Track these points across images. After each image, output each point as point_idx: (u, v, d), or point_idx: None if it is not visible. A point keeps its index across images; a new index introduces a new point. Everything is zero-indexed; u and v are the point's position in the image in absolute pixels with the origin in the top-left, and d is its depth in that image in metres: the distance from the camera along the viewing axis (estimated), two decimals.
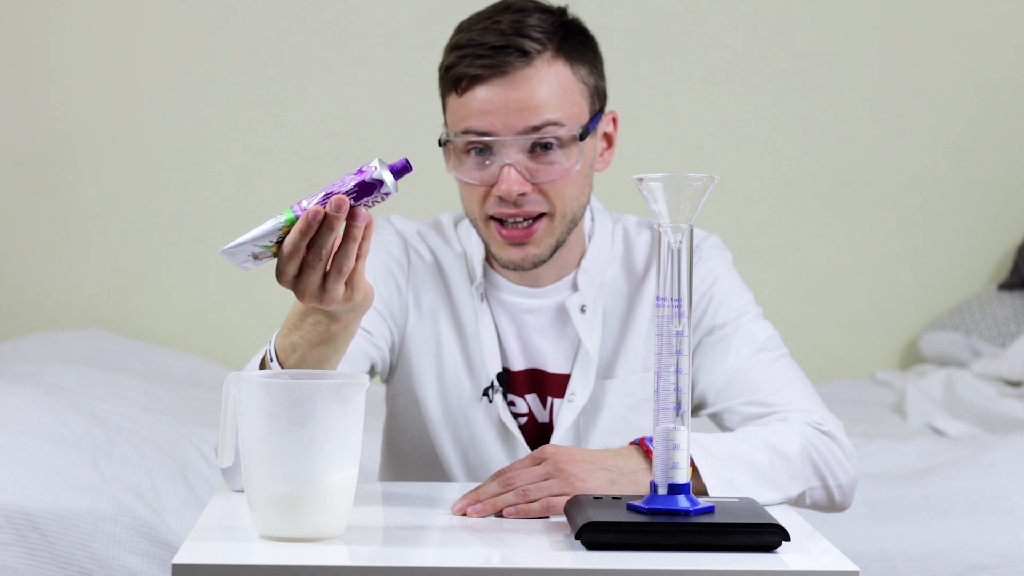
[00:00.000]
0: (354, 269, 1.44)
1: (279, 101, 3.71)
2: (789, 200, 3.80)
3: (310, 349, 1.52)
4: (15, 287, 3.70)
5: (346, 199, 1.40)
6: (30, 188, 3.68)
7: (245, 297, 3.72)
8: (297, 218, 1.41)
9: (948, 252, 3.83)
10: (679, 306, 1.39)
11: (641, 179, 1.38)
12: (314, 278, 1.43)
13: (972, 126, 3.82)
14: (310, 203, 1.41)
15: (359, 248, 1.43)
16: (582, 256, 1.86)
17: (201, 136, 3.69)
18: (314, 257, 1.42)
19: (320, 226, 1.40)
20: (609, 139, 1.83)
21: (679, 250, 1.39)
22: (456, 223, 1.90)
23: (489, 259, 1.86)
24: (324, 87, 3.72)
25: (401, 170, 1.43)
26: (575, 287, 1.85)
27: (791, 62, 3.78)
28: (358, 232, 1.41)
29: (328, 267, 1.43)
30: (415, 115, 3.67)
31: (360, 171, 1.41)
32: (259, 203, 3.70)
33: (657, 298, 1.40)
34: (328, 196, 1.40)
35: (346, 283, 1.45)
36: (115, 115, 3.68)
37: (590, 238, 1.86)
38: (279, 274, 1.44)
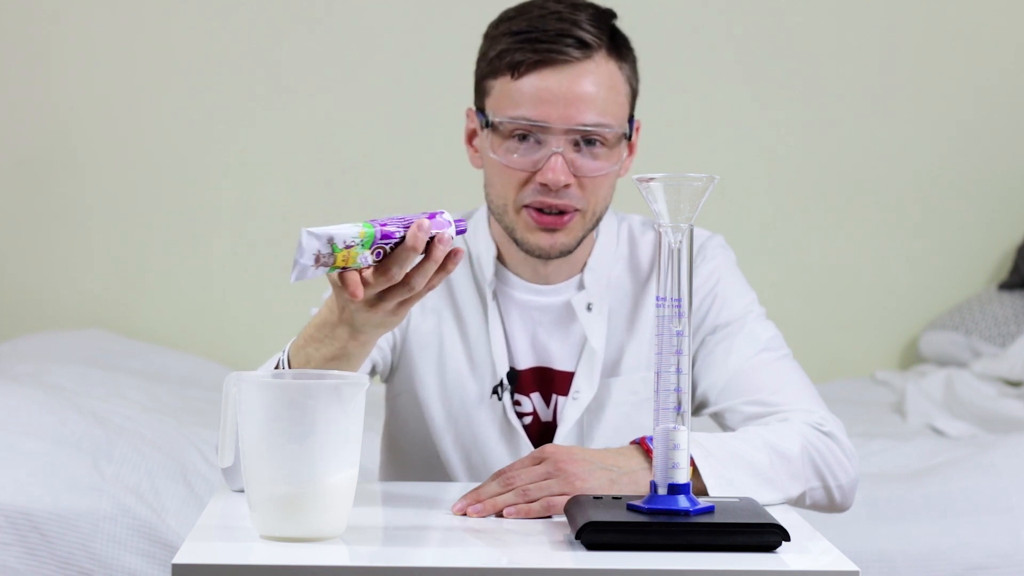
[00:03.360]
0: (418, 292, 1.45)
1: (280, 101, 3.71)
2: (789, 200, 3.79)
3: (323, 363, 1.53)
4: (15, 287, 3.70)
5: (428, 222, 1.40)
6: (30, 188, 3.67)
7: (245, 297, 3.72)
8: (376, 232, 1.38)
9: (948, 252, 3.83)
10: (679, 306, 1.39)
11: (641, 179, 1.38)
12: (396, 299, 1.44)
13: (972, 126, 3.82)
14: (391, 224, 1.39)
15: (434, 275, 1.44)
16: (589, 255, 1.86)
17: (201, 136, 3.69)
18: (402, 279, 1.42)
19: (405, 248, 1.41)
20: (631, 147, 1.83)
21: (679, 250, 1.39)
22: None
23: (500, 257, 1.86)
24: (325, 87, 3.72)
25: (460, 232, 1.44)
26: (582, 285, 1.85)
27: (791, 62, 3.78)
28: (439, 255, 1.42)
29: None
30: (416, 114, 3.68)
31: (432, 215, 1.42)
32: (260, 203, 3.70)
33: (657, 298, 1.40)
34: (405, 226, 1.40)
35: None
36: (116, 115, 3.68)
37: (596, 237, 1.87)
38: (356, 287, 1.42)
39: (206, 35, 3.69)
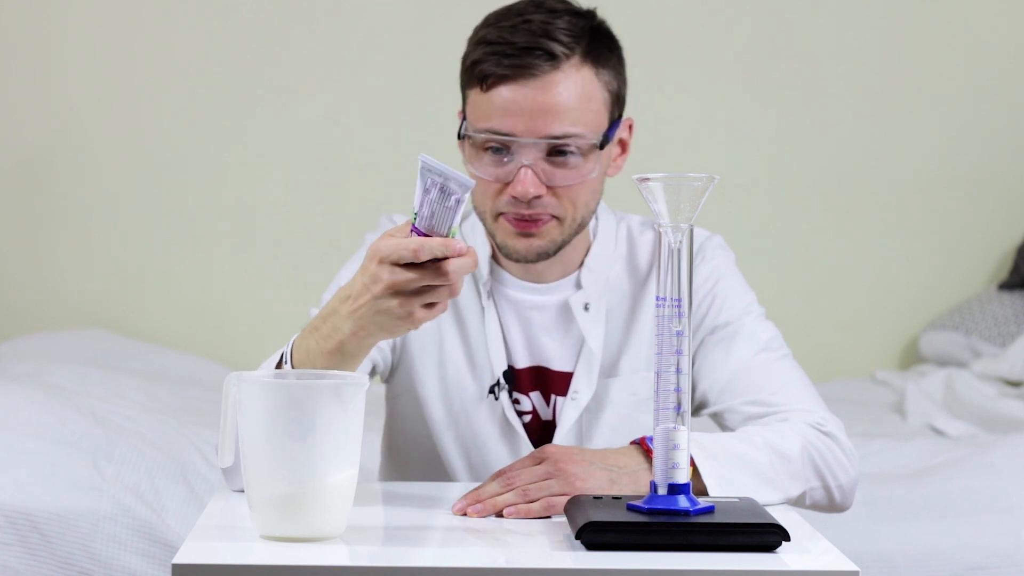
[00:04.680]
0: (438, 303, 1.44)
1: (280, 100, 3.71)
2: (789, 200, 3.80)
3: (320, 356, 1.51)
4: (15, 287, 3.70)
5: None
6: (30, 188, 3.68)
7: (245, 297, 3.72)
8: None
9: (948, 252, 3.84)
10: (679, 306, 1.39)
11: (641, 179, 1.38)
12: (427, 299, 1.43)
13: (972, 126, 3.82)
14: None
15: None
16: (586, 254, 1.86)
17: (201, 135, 3.70)
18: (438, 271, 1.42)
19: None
20: (623, 145, 1.83)
21: (679, 250, 1.39)
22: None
23: (495, 256, 1.86)
24: (325, 86, 3.72)
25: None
26: (579, 285, 1.85)
27: (791, 62, 3.78)
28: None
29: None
30: (417, 114, 3.68)
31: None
32: (260, 203, 3.70)
33: (657, 298, 1.40)
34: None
35: None
36: (115, 115, 3.68)
37: (594, 237, 1.87)
38: (399, 280, 1.41)
39: (206, 35, 3.70)
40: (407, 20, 3.72)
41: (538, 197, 1.74)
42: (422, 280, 1.40)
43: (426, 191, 1.39)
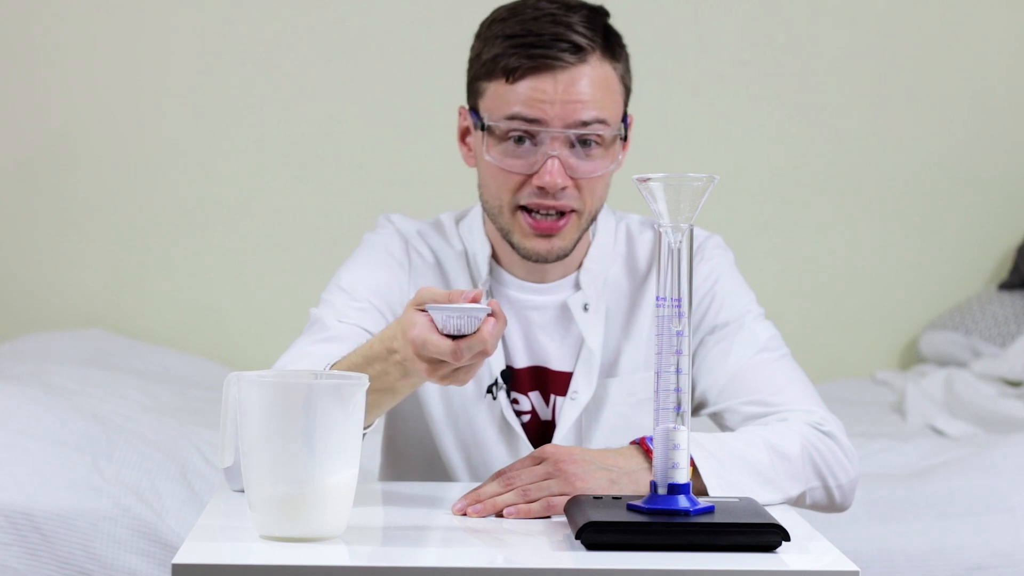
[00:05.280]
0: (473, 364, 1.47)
1: (280, 100, 3.71)
2: (789, 200, 3.80)
3: (369, 394, 1.52)
4: (15, 287, 3.70)
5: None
6: (30, 187, 3.68)
7: (245, 297, 3.72)
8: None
9: (948, 252, 3.84)
10: (679, 306, 1.39)
11: (641, 179, 1.38)
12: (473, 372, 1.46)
13: (972, 126, 3.82)
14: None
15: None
16: (585, 254, 1.86)
17: (201, 135, 3.70)
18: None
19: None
20: (625, 140, 1.83)
21: (679, 250, 1.39)
22: (457, 222, 1.90)
23: (495, 255, 1.86)
24: (325, 86, 3.72)
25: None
26: (578, 285, 1.85)
27: (791, 62, 3.78)
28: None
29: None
30: (416, 113, 3.68)
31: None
32: (259, 203, 3.70)
33: (657, 298, 1.40)
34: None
35: None
36: (115, 114, 3.68)
37: (593, 236, 1.87)
38: (437, 365, 1.44)
39: (206, 35, 3.70)
40: (407, 20, 3.72)
41: (563, 188, 1.74)
42: (459, 365, 1.44)
43: (447, 318, 1.41)
